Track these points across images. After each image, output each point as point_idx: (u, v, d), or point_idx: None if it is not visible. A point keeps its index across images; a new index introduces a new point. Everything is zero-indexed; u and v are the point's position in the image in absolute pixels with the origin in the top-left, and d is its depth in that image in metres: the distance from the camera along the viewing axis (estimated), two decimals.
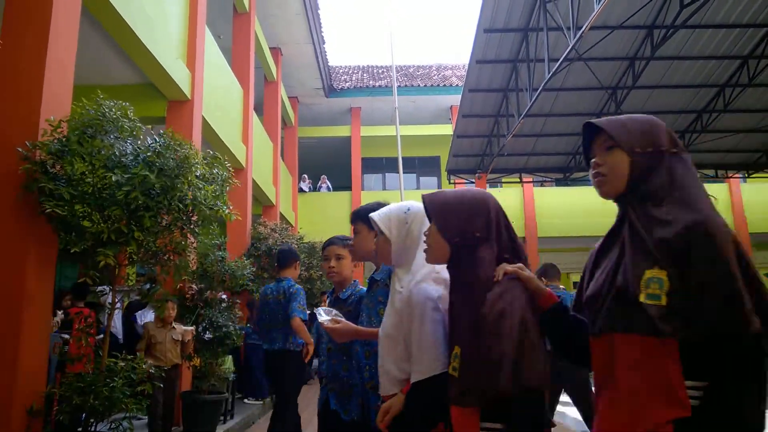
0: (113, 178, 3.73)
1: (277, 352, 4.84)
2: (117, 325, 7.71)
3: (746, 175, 16.36)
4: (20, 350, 3.68)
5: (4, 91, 3.97)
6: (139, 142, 4.16)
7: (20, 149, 3.72)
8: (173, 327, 6.05)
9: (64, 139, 3.82)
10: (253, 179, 10.76)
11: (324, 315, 2.55)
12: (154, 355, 5.77)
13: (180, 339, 6.06)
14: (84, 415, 3.87)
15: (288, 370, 4.80)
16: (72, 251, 3.84)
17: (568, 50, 8.10)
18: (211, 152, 4.73)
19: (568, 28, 8.06)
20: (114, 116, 4.04)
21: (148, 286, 5.65)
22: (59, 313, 6.31)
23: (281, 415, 4.82)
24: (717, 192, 17.56)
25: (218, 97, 8.82)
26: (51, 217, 3.74)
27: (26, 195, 3.74)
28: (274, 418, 4.89)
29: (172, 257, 4.37)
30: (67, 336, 5.84)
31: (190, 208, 4.23)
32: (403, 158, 10.57)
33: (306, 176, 18.03)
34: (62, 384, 3.88)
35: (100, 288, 7.21)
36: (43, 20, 4.05)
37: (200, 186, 4.25)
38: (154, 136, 4.24)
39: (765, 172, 16.02)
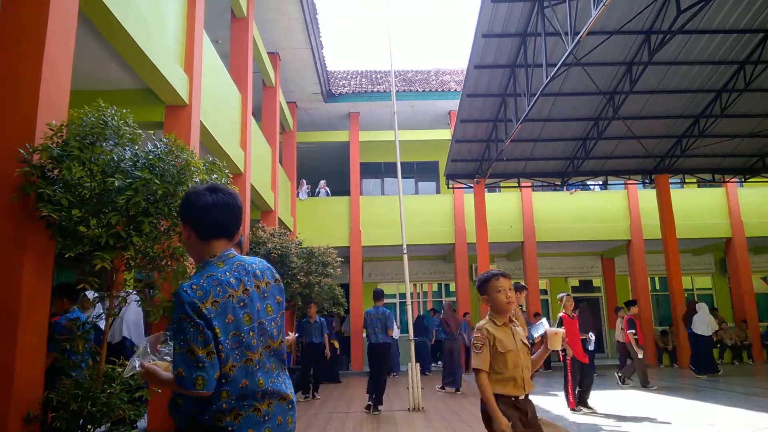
0: (115, 183, 3.73)
1: (381, 344, 8.88)
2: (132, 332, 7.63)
3: (743, 179, 16.40)
4: (17, 357, 3.65)
5: (0, 95, 3.96)
6: (137, 148, 4.15)
7: (21, 150, 3.71)
8: (517, 325, 3.39)
9: (63, 144, 3.82)
10: (251, 184, 10.75)
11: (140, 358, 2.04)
12: (501, 377, 3.13)
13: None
14: (81, 421, 3.85)
15: (387, 353, 9.02)
16: (66, 256, 3.82)
17: (566, 55, 8.12)
18: (210, 158, 4.72)
19: (566, 33, 8.08)
20: (115, 124, 4.04)
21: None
22: None
23: (378, 381, 8.64)
24: (714, 196, 17.61)
25: (216, 102, 8.81)
26: (48, 222, 3.73)
27: (23, 199, 3.72)
28: (373, 384, 8.62)
29: (169, 263, 4.35)
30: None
31: None
32: (401, 163, 10.55)
33: (304, 181, 18.01)
34: (59, 390, 3.85)
35: (96, 294, 7.14)
36: (40, 24, 4.04)
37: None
38: (156, 142, 4.23)
39: (761, 177, 16.07)
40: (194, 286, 1.91)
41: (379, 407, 8.57)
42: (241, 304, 1.96)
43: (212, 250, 2.04)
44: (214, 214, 2.02)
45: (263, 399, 1.97)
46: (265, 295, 2.05)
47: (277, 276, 2.17)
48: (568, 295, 8.59)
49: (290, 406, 2.06)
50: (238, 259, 2.06)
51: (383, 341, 8.83)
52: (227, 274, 1.98)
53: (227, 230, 2.07)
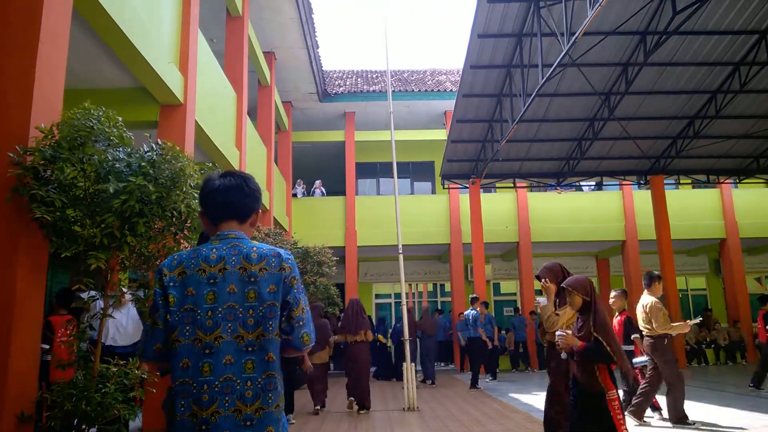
0: (110, 189, 3.71)
1: (474, 338, 12.00)
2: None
3: (737, 180, 16.47)
4: (11, 356, 3.63)
5: None
6: (130, 150, 4.13)
7: (11, 154, 3.69)
8: None
9: (55, 145, 3.80)
10: None
11: None
12: None
13: None
14: (75, 421, 3.83)
15: (477, 345, 12.05)
16: (63, 255, 3.80)
17: (561, 56, 8.13)
18: (206, 161, 4.72)
19: (562, 34, 8.09)
20: (102, 127, 4.00)
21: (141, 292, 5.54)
22: None
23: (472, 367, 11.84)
24: (708, 197, 17.69)
25: (211, 101, 8.79)
26: (42, 222, 3.71)
27: (17, 200, 3.70)
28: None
29: None
30: (46, 346, 5.52)
31: (184, 216, 4.22)
32: (397, 163, 10.56)
33: (301, 180, 18.01)
34: (53, 390, 3.84)
35: (93, 293, 7.10)
36: (34, 23, 4.02)
37: (195, 195, 4.24)
38: (152, 144, 4.22)
39: (756, 178, 16.14)
40: (175, 256, 1.95)
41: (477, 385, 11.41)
42: (211, 281, 1.88)
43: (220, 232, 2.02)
44: (217, 196, 2.01)
45: (209, 402, 1.78)
46: (253, 279, 1.90)
47: (287, 266, 1.98)
48: None
49: (248, 423, 1.79)
50: (239, 241, 1.98)
51: (474, 335, 12.05)
52: (213, 250, 1.94)
53: (233, 211, 2.02)
